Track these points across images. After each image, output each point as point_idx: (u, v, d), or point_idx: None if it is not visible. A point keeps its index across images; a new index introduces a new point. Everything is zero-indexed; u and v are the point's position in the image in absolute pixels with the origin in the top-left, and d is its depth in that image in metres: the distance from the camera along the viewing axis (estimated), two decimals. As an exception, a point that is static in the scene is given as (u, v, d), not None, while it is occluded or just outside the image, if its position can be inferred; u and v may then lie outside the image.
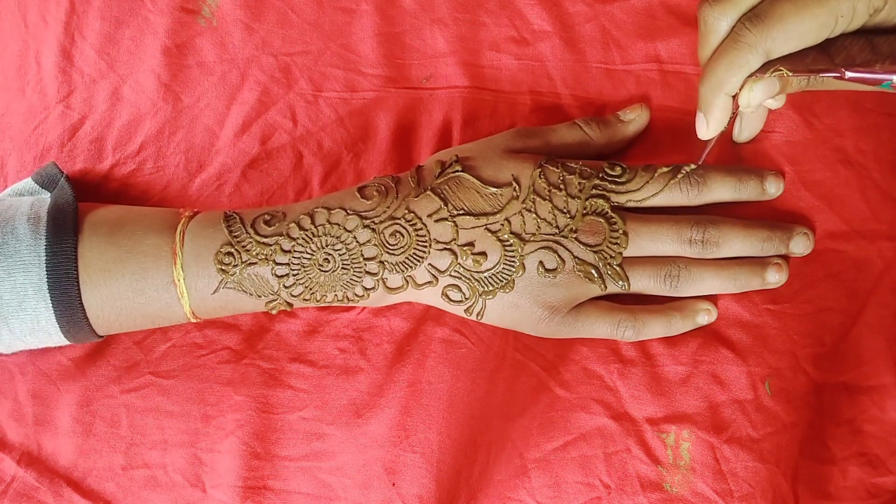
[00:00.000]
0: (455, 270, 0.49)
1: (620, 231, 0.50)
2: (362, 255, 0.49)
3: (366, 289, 0.49)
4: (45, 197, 0.52)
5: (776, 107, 0.49)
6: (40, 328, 0.49)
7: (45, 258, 0.48)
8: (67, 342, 0.51)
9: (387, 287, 0.50)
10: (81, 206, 0.51)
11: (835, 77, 0.45)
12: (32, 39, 0.57)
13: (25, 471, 0.51)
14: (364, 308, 0.53)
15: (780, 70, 0.45)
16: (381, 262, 0.49)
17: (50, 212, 0.49)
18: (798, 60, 0.45)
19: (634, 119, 0.54)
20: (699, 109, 0.47)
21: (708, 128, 0.47)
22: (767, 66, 0.45)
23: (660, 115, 0.54)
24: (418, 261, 0.49)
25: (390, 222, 0.49)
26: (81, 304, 0.49)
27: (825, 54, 0.45)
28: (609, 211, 0.50)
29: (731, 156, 0.53)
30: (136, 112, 0.56)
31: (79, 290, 0.48)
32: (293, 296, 0.49)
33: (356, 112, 0.56)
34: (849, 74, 0.45)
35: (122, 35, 0.57)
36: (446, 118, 0.56)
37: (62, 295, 0.48)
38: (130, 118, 0.56)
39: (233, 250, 0.49)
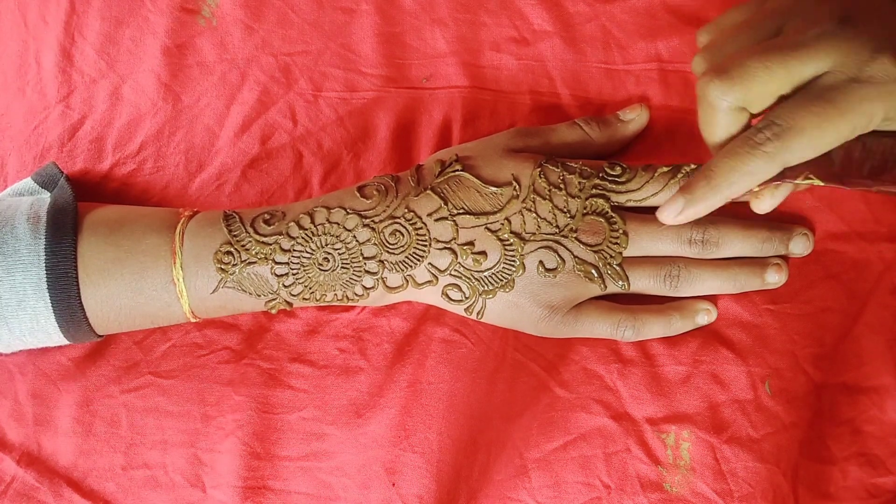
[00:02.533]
0: (455, 270, 0.49)
1: (620, 231, 0.50)
2: (362, 254, 0.49)
3: (365, 288, 0.49)
4: (45, 197, 0.52)
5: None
6: (40, 328, 0.49)
7: (44, 258, 0.48)
8: (67, 342, 0.51)
9: (386, 286, 0.50)
10: (81, 206, 0.51)
11: (864, 190, 0.45)
12: (32, 39, 0.57)
13: (25, 471, 0.51)
14: (364, 308, 0.53)
15: (811, 178, 0.44)
16: (381, 261, 0.49)
17: (49, 211, 0.49)
18: (818, 165, 0.44)
19: (634, 119, 0.54)
20: (682, 193, 0.46)
21: (679, 216, 0.46)
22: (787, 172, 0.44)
23: (660, 114, 0.54)
24: (418, 260, 0.49)
25: (390, 221, 0.49)
26: (81, 303, 0.49)
27: (827, 155, 0.44)
28: (609, 211, 0.50)
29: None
30: (136, 112, 0.56)
31: (78, 289, 0.48)
32: (293, 295, 0.49)
33: (356, 112, 0.56)
34: (876, 189, 0.44)
35: (122, 35, 0.57)
36: (446, 118, 0.56)
37: (61, 294, 0.48)
38: (130, 118, 0.56)
39: (232, 250, 0.49)
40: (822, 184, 0.44)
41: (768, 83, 0.43)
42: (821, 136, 0.42)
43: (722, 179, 0.44)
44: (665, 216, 0.46)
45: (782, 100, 0.43)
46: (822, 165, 0.44)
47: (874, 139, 0.45)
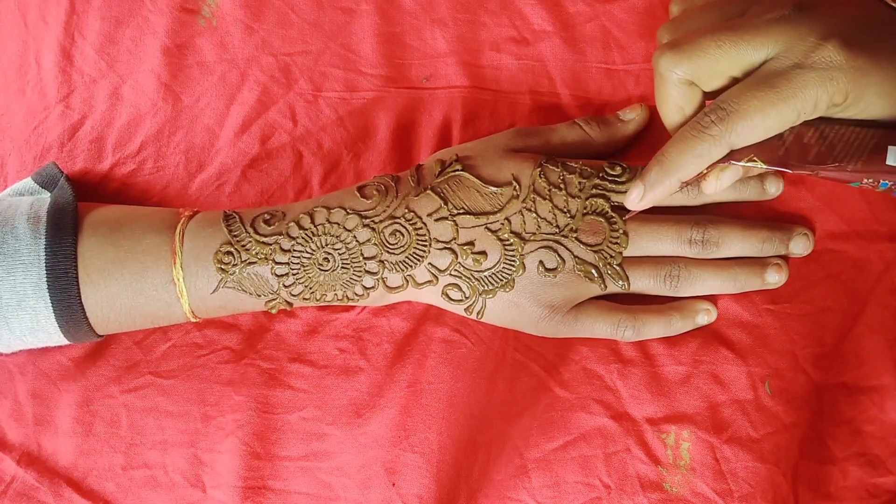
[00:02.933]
0: (455, 270, 0.49)
1: (620, 231, 0.50)
2: (362, 254, 0.49)
3: (366, 288, 0.49)
4: (45, 197, 0.52)
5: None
6: (40, 328, 0.49)
7: (44, 258, 0.48)
8: (67, 342, 0.51)
9: (387, 286, 0.50)
10: (81, 206, 0.51)
11: (808, 175, 0.45)
12: (32, 39, 0.57)
13: (25, 471, 0.51)
14: (364, 308, 0.53)
15: (755, 161, 0.45)
16: (381, 261, 0.49)
17: (49, 211, 0.49)
18: (766, 148, 0.45)
19: (634, 118, 0.54)
20: (640, 179, 0.47)
21: (641, 201, 0.47)
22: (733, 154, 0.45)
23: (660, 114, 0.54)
24: (418, 260, 0.49)
25: (390, 221, 0.49)
26: (81, 303, 0.49)
27: (778, 138, 0.45)
28: (609, 210, 0.50)
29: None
30: (136, 112, 0.56)
31: (78, 289, 0.48)
32: (293, 295, 0.49)
33: (356, 112, 0.56)
34: (822, 174, 0.45)
35: (122, 35, 0.57)
36: (446, 118, 0.56)
37: (61, 294, 0.48)
38: (130, 118, 0.56)
39: (232, 249, 0.49)
40: (764, 167, 0.45)
41: (718, 61, 0.44)
42: (764, 120, 0.43)
43: (672, 163, 0.46)
44: (629, 203, 0.48)
45: (734, 83, 0.44)
46: (769, 148, 0.45)
47: (831, 126, 0.45)
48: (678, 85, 0.45)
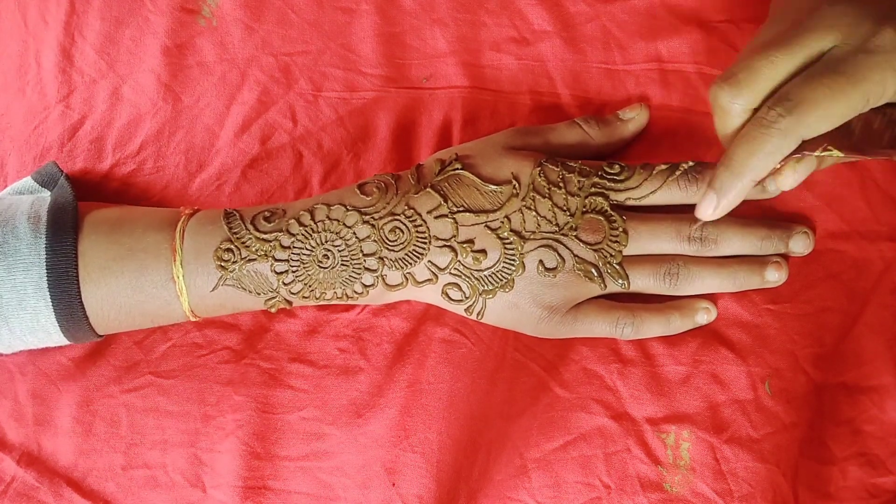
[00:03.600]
0: (455, 268, 0.49)
1: (620, 229, 0.50)
2: (361, 251, 0.49)
3: (365, 286, 0.49)
4: (45, 196, 0.52)
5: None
6: (40, 327, 0.49)
7: (44, 257, 0.48)
8: (67, 342, 0.51)
9: (386, 284, 0.50)
10: (81, 206, 0.51)
11: (884, 159, 0.45)
12: (32, 39, 0.57)
13: (25, 471, 0.51)
14: (364, 308, 0.53)
15: (830, 150, 0.43)
16: (381, 258, 0.49)
17: (50, 210, 0.50)
18: (837, 137, 0.44)
19: (634, 118, 0.54)
20: (711, 188, 0.45)
21: (716, 210, 0.46)
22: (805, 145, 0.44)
23: (659, 114, 0.54)
24: (418, 257, 0.49)
25: (390, 218, 0.49)
26: (81, 302, 0.49)
27: (847, 126, 0.44)
28: (609, 209, 0.50)
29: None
30: (136, 112, 0.56)
31: (78, 288, 0.48)
32: (292, 293, 0.49)
33: (356, 112, 0.56)
34: None
35: (122, 35, 0.57)
36: (446, 118, 0.56)
37: (62, 293, 0.48)
38: (130, 118, 0.56)
39: (232, 247, 0.49)
40: (841, 155, 0.44)
41: (775, 75, 0.43)
42: (833, 107, 0.42)
43: (742, 165, 0.44)
44: (702, 213, 0.46)
45: None
46: (841, 137, 0.44)
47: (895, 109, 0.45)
48: (742, 114, 0.44)
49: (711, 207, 0.45)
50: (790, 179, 0.46)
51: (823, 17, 0.43)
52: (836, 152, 0.43)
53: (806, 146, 0.43)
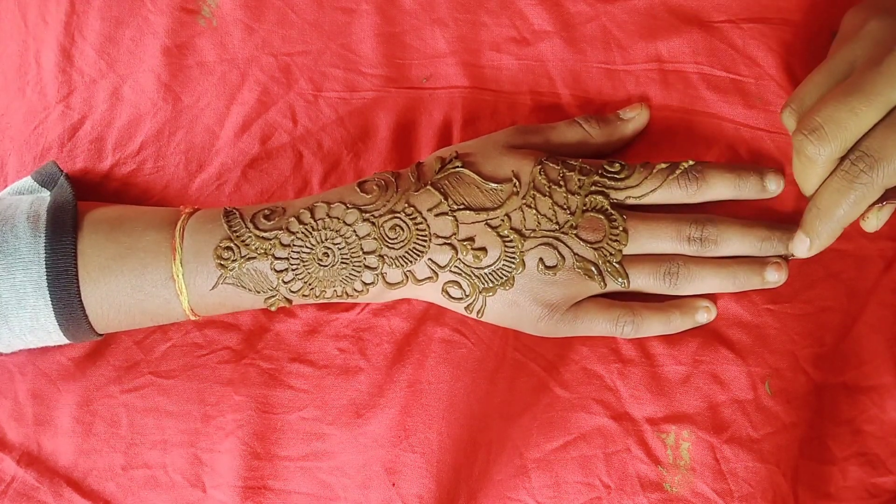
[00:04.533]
0: (455, 266, 0.49)
1: (620, 228, 0.50)
2: (362, 248, 0.49)
3: (365, 284, 0.49)
4: (45, 195, 0.52)
5: None
6: (40, 326, 0.49)
7: (44, 256, 0.48)
8: (67, 341, 0.51)
9: (386, 282, 0.50)
10: (81, 205, 0.51)
11: None
12: (32, 39, 0.57)
13: (25, 471, 0.51)
14: (364, 308, 0.53)
15: None
16: (381, 255, 0.49)
17: (50, 210, 0.50)
18: None
19: (634, 118, 0.54)
20: (804, 232, 0.48)
21: (810, 250, 0.48)
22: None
23: (660, 114, 0.54)
24: (418, 255, 0.49)
25: (390, 216, 0.49)
26: (81, 301, 0.49)
27: None
28: (609, 208, 0.50)
29: (730, 155, 0.53)
30: (136, 112, 0.56)
31: (78, 287, 0.48)
32: (292, 291, 0.49)
33: (356, 112, 0.56)
34: None
35: (122, 35, 0.57)
36: (446, 118, 0.56)
37: (61, 292, 0.48)
38: (130, 118, 0.56)
39: (232, 245, 0.49)
40: None
41: (859, 128, 0.44)
42: None
43: (830, 213, 0.47)
44: (798, 253, 0.49)
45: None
46: None
47: None
48: (828, 164, 0.46)
49: (804, 248, 0.48)
50: (873, 223, 0.48)
51: None
52: None
53: (889, 194, 0.46)
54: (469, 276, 0.49)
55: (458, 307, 0.50)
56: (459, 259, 0.49)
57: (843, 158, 0.46)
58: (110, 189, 0.55)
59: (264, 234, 0.49)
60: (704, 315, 0.51)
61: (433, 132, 0.55)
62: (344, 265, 0.49)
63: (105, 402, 0.52)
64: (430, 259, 0.49)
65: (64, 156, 0.56)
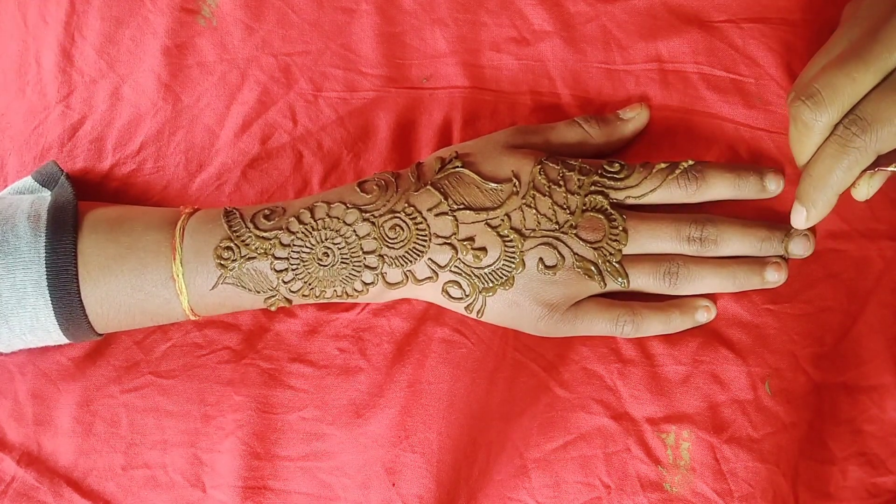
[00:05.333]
0: (455, 266, 0.49)
1: (620, 228, 0.50)
2: (361, 248, 0.49)
3: (365, 283, 0.49)
4: (46, 195, 0.52)
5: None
6: (40, 326, 0.49)
7: (44, 255, 0.48)
8: (67, 340, 0.51)
9: (386, 282, 0.50)
10: (81, 205, 0.51)
11: None
12: (32, 39, 0.57)
13: (25, 471, 0.51)
14: (364, 308, 0.53)
15: None
16: (381, 255, 0.49)
17: (50, 210, 0.50)
18: None
19: (634, 118, 0.54)
20: (799, 202, 0.48)
21: (807, 220, 0.48)
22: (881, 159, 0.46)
23: (659, 114, 0.54)
24: (418, 255, 0.49)
25: (390, 216, 0.49)
26: (81, 301, 0.49)
27: None
28: (608, 208, 0.50)
29: (730, 155, 0.53)
30: (136, 112, 0.56)
31: (78, 287, 0.48)
32: (292, 291, 0.49)
33: (356, 112, 0.56)
34: None
35: (122, 35, 0.57)
36: (446, 118, 0.56)
37: (61, 292, 0.48)
38: (130, 118, 0.56)
39: (232, 245, 0.49)
40: None
41: (856, 93, 0.44)
42: None
43: (824, 180, 0.47)
44: (797, 224, 0.49)
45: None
46: None
47: None
48: (824, 130, 0.46)
49: (802, 218, 0.48)
50: (864, 191, 0.48)
51: None
52: None
53: (881, 160, 0.46)
54: (469, 275, 0.49)
55: (458, 307, 0.50)
56: (459, 259, 0.49)
57: (836, 125, 0.46)
58: (110, 189, 0.55)
59: (264, 234, 0.49)
60: (704, 315, 0.51)
61: (433, 132, 0.55)
62: (344, 265, 0.49)
63: (105, 402, 0.52)
64: (430, 259, 0.49)
65: (64, 156, 0.56)
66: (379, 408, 0.51)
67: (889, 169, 0.46)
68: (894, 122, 0.44)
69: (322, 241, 0.49)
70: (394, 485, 0.50)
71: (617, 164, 0.51)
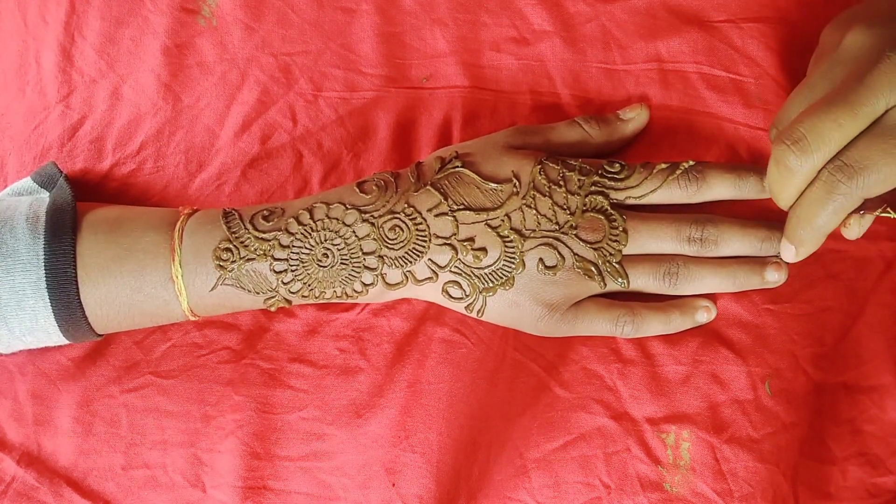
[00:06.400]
0: (455, 266, 0.49)
1: (620, 228, 0.50)
2: (361, 249, 0.49)
3: (364, 284, 0.49)
4: (44, 196, 0.52)
5: None
6: (39, 327, 0.49)
7: (43, 257, 0.48)
8: (67, 341, 0.51)
9: (386, 283, 0.50)
10: (80, 206, 0.51)
11: None
12: (32, 39, 0.57)
13: (25, 471, 0.51)
14: (364, 308, 0.53)
15: (889, 213, 0.46)
16: (380, 256, 0.49)
17: (49, 211, 0.50)
18: None
19: (634, 118, 0.54)
20: (787, 239, 0.48)
21: (797, 256, 0.48)
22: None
23: (659, 114, 0.54)
24: (418, 255, 0.49)
25: (390, 216, 0.49)
26: (80, 302, 0.49)
27: None
28: (608, 208, 0.50)
29: (730, 155, 0.53)
30: (136, 112, 0.56)
31: (77, 288, 0.48)
32: (291, 292, 0.49)
33: (356, 112, 0.56)
34: None
35: (122, 35, 0.57)
36: (446, 118, 0.56)
37: (60, 294, 0.48)
38: (130, 118, 0.56)
39: (231, 246, 0.49)
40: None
41: (842, 139, 0.44)
42: (894, 171, 0.43)
43: (810, 223, 0.46)
44: (787, 258, 0.50)
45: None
46: None
47: None
48: (807, 175, 0.45)
49: (791, 254, 0.49)
50: (855, 231, 0.47)
51: (887, 72, 0.43)
52: (893, 214, 0.46)
53: (868, 204, 0.45)
54: (469, 276, 0.49)
55: (458, 307, 0.50)
56: (459, 259, 0.49)
57: (821, 170, 0.45)
58: (110, 189, 0.55)
59: (263, 236, 0.49)
60: (704, 315, 0.51)
61: (433, 132, 0.55)
62: (343, 266, 0.49)
63: (105, 403, 0.52)
64: (429, 259, 0.49)
65: (64, 156, 0.56)
66: (379, 408, 0.51)
67: (877, 213, 0.46)
68: (881, 170, 0.43)
69: (321, 242, 0.49)
70: (394, 485, 0.50)
71: (617, 165, 0.51)
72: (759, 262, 0.51)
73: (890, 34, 0.44)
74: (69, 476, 0.52)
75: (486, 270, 0.49)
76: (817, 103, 0.44)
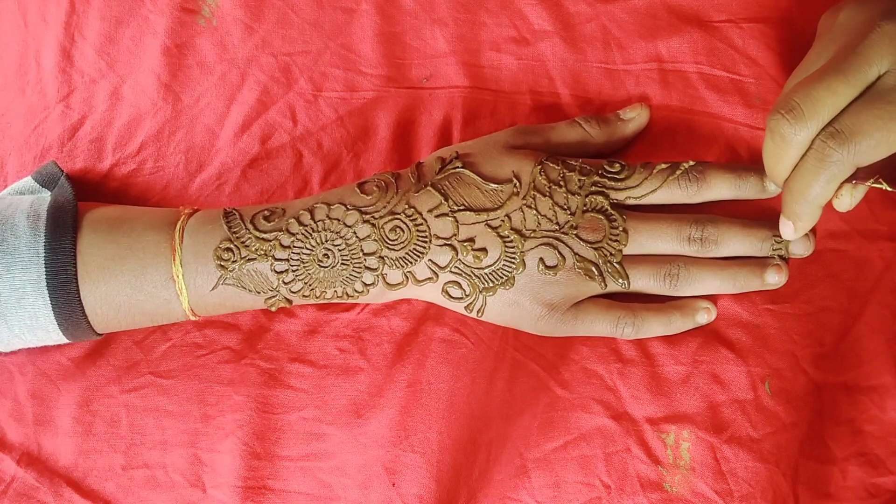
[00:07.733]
0: (455, 267, 0.49)
1: (620, 228, 0.50)
2: (362, 250, 0.49)
3: (365, 284, 0.49)
4: (45, 195, 0.52)
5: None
6: (39, 325, 0.49)
7: (43, 255, 0.48)
8: (66, 340, 0.51)
9: (386, 283, 0.50)
10: (81, 205, 0.51)
11: None
12: (32, 39, 0.57)
13: (25, 471, 0.51)
14: (364, 308, 0.53)
15: (881, 184, 0.46)
16: (381, 257, 0.49)
17: (49, 210, 0.50)
18: (889, 166, 0.45)
19: (634, 118, 0.54)
20: (785, 216, 0.48)
21: (796, 232, 0.48)
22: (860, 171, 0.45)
23: (659, 114, 0.55)
24: (418, 256, 0.49)
25: (390, 217, 0.49)
26: (80, 301, 0.49)
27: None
28: (609, 208, 0.50)
29: (730, 155, 0.53)
30: (136, 112, 0.56)
31: (77, 286, 0.48)
32: (292, 292, 0.49)
33: (356, 112, 0.56)
34: None
35: (122, 35, 0.57)
36: (446, 118, 0.56)
37: (61, 292, 0.48)
38: (130, 118, 0.56)
39: (232, 246, 0.49)
40: (890, 189, 0.46)
41: (835, 106, 0.44)
42: (887, 136, 0.43)
43: (804, 194, 0.46)
44: (786, 235, 0.49)
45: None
46: (892, 166, 0.45)
47: None
48: (802, 144, 0.45)
49: (790, 230, 0.48)
50: (846, 201, 0.47)
51: (878, 41, 0.43)
52: (885, 186, 0.46)
53: (860, 173, 0.45)
54: (469, 276, 0.49)
55: (459, 307, 0.50)
56: (460, 260, 0.49)
57: (814, 140, 0.45)
58: (110, 189, 0.55)
59: (264, 236, 0.49)
60: (704, 316, 0.51)
61: (433, 132, 0.55)
62: (344, 266, 0.49)
63: (105, 402, 0.52)
64: (430, 260, 0.49)
65: (64, 156, 0.56)
66: (379, 408, 0.51)
67: (868, 184, 0.46)
68: (873, 136, 0.43)
69: (322, 243, 0.49)
70: (394, 485, 0.50)
71: (617, 165, 0.51)
72: (759, 264, 0.51)
73: (880, 6, 0.45)
74: (69, 476, 0.52)
75: (486, 270, 0.49)
76: (811, 75, 0.45)
